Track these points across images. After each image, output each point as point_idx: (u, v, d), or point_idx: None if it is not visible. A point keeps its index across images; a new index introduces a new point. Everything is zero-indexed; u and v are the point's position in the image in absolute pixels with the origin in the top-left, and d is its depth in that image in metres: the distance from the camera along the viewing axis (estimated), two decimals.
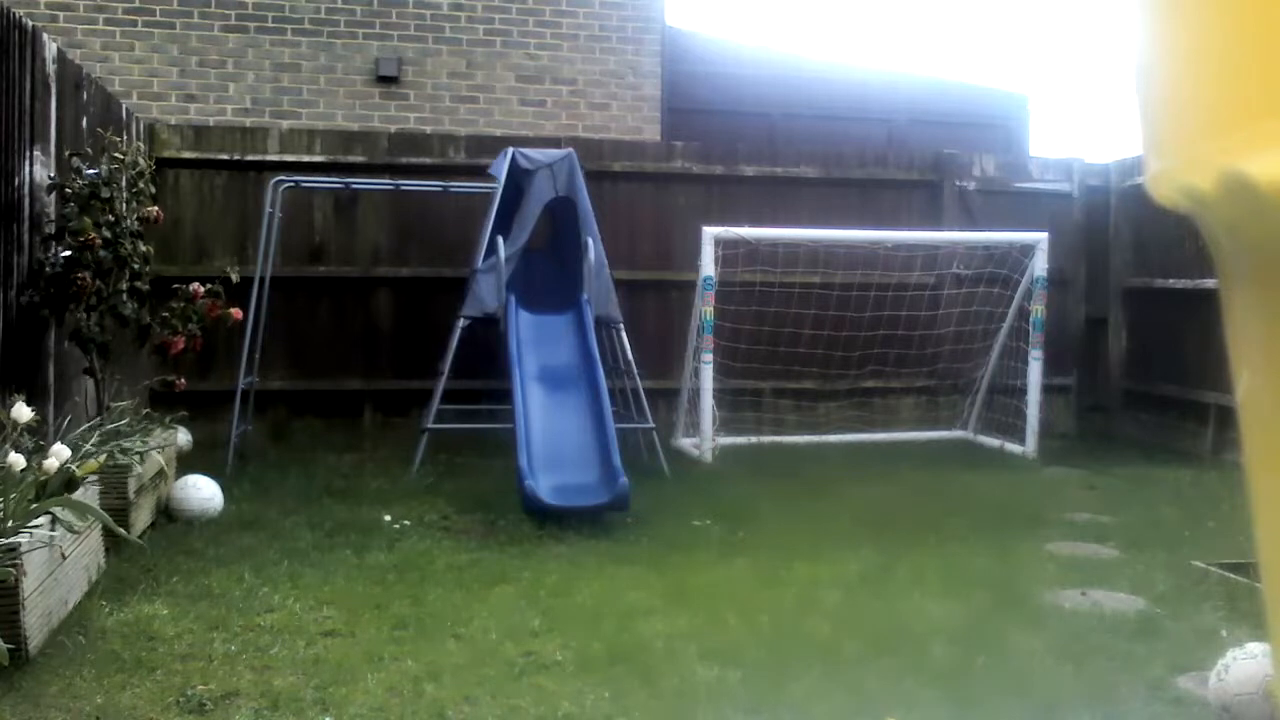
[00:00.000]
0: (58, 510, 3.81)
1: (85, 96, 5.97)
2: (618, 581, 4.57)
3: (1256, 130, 0.40)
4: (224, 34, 9.07)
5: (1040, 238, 8.01)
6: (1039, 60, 26.44)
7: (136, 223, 5.74)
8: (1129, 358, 9.25)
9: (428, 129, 9.08)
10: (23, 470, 3.73)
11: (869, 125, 10.83)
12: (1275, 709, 3.00)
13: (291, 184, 7.36)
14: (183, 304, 5.92)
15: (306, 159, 7.86)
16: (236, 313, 6.18)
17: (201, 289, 5.98)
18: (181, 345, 5.90)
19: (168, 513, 5.46)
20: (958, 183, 8.91)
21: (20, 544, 3.43)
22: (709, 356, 7.48)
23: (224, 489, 5.69)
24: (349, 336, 7.99)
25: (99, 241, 5.19)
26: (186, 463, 6.08)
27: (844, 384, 8.45)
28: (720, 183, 8.59)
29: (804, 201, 8.55)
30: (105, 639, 3.72)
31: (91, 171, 5.36)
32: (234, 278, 6.26)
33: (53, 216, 5.42)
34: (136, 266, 5.73)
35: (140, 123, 7.43)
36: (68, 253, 5.15)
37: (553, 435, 6.18)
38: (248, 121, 8.82)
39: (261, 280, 7.12)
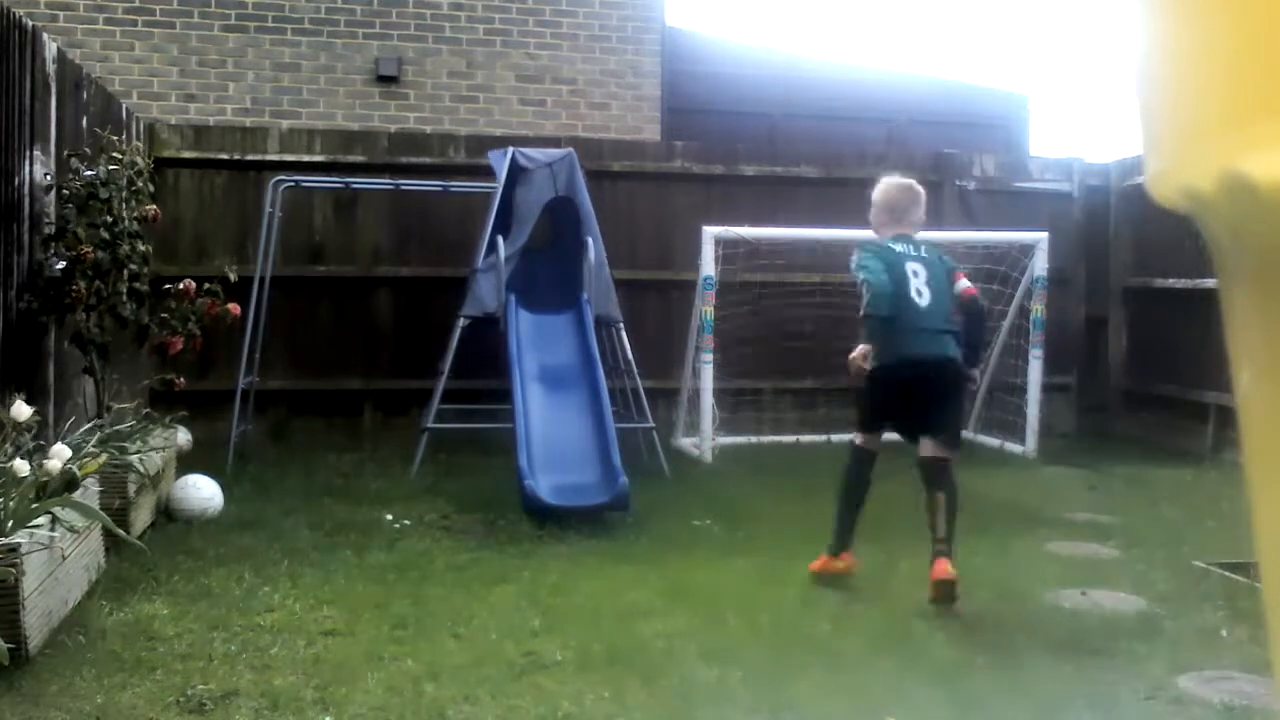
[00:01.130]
0: (58, 510, 3.81)
1: (85, 96, 5.97)
2: (618, 581, 4.57)
3: (1256, 130, 0.40)
4: (224, 34, 9.07)
5: (1040, 237, 8.00)
6: (1039, 60, 26.45)
7: (135, 223, 5.74)
8: (1129, 358, 9.25)
9: (428, 129, 9.08)
10: (23, 470, 3.73)
11: (869, 125, 10.82)
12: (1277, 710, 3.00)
13: (291, 184, 7.36)
14: (180, 303, 5.92)
15: (306, 159, 7.86)
16: (235, 308, 6.17)
17: (194, 286, 5.97)
18: (180, 345, 5.90)
19: (168, 512, 5.46)
20: (958, 182, 8.91)
21: (20, 544, 3.43)
22: (709, 356, 7.48)
23: (224, 489, 5.69)
24: (349, 336, 7.99)
25: (91, 254, 5.19)
26: (186, 463, 6.08)
27: (844, 383, 8.44)
28: (720, 183, 8.59)
29: (804, 201, 8.55)
30: (105, 639, 3.72)
31: (90, 173, 5.36)
32: (232, 277, 6.25)
33: (52, 217, 5.42)
34: (135, 267, 5.73)
35: (140, 122, 7.43)
36: (62, 264, 5.15)
37: (553, 435, 6.18)
38: (248, 121, 8.82)
39: (261, 280, 7.12)
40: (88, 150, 5.57)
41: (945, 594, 4.21)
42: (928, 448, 4.42)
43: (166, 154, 7.62)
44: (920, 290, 4.41)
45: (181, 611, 4.04)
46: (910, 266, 4.46)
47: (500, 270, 6.78)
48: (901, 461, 7.06)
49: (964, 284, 4.58)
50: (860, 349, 4.58)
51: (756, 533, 5.45)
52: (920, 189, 4.79)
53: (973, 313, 4.61)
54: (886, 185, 4.74)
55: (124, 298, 5.62)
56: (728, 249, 7.61)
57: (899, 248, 4.53)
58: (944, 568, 4.26)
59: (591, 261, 6.91)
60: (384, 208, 8.03)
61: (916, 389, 4.40)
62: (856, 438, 4.65)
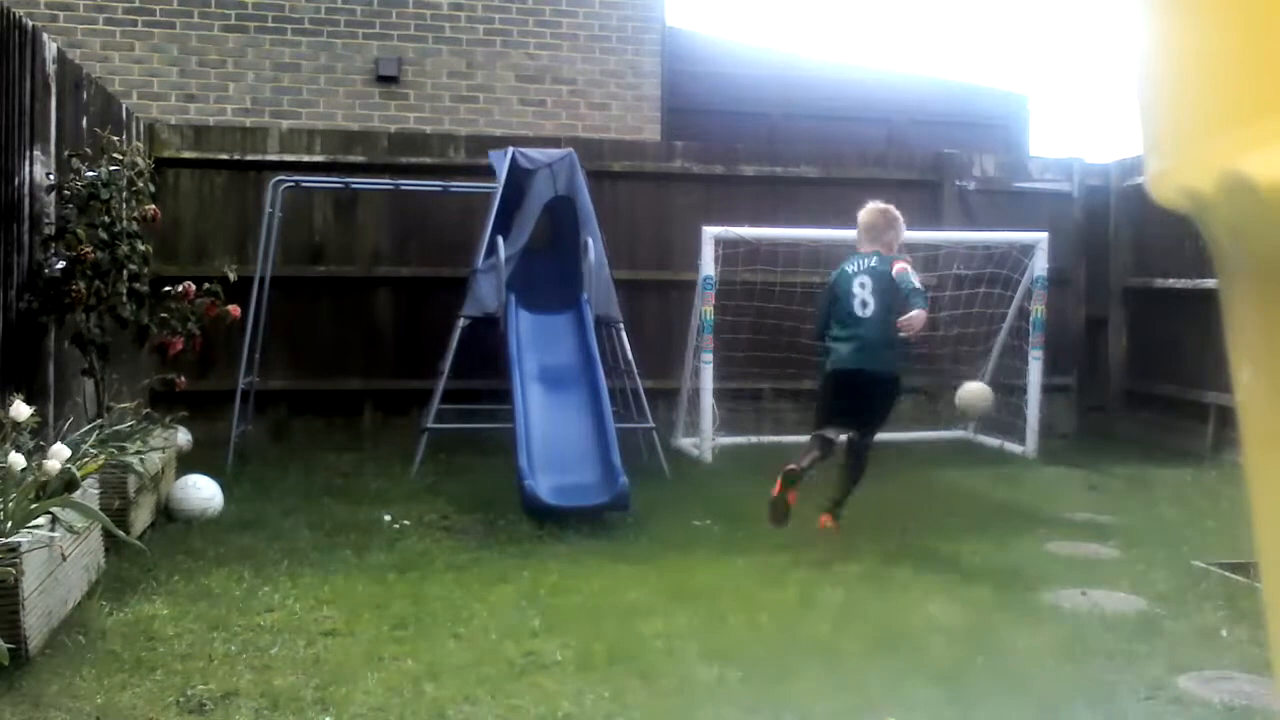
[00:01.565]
0: (58, 510, 3.81)
1: (85, 96, 5.97)
2: (617, 581, 4.57)
3: (1256, 130, 0.40)
4: (224, 34, 9.07)
5: (1040, 238, 8.00)
6: (1039, 60, 26.45)
7: (135, 223, 5.74)
8: (1129, 358, 9.25)
9: (428, 129, 9.08)
10: (23, 470, 3.73)
11: (869, 125, 10.82)
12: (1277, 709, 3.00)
13: (291, 184, 7.36)
14: (180, 304, 5.92)
15: (306, 159, 7.86)
16: (235, 310, 6.17)
17: (194, 288, 5.97)
18: (180, 346, 5.90)
19: (168, 513, 5.46)
20: (958, 183, 8.91)
21: (20, 544, 3.43)
22: (709, 356, 7.48)
23: (224, 489, 5.69)
24: (349, 336, 7.99)
25: (92, 254, 5.19)
26: (186, 463, 6.08)
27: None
28: (720, 183, 8.59)
29: (804, 201, 8.54)
30: (105, 639, 3.72)
31: (91, 173, 5.36)
32: (231, 277, 6.25)
33: (52, 217, 5.42)
34: (135, 268, 5.73)
35: (140, 123, 7.43)
36: (62, 264, 5.15)
37: (553, 435, 6.18)
38: (248, 121, 8.82)
39: (261, 280, 7.12)
40: (89, 150, 5.57)
41: (827, 535, 5.21)
42: (855, 435, 5.37)
43: (166, 154, 7.62)
44: (865, 301, 5.21)
45: (181, 611, 4.04)
46: (859, 280, 5.25)
47: (500, 270, 6.78)
48: (901, 464, 7.08)
49: (895, 267, 5.22)
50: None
51: (756, 533, 5.44)
52: (896, 214, 5.45)
53: (899, 282, 5.17)
54: (866, 209, 5.49)
55: (124, 298, 5.62)
56: (727, 249, 7.61)
57: (851, 267, 5.33)
58: (825, 520, 5.28)
59: (591, 261, 6.90)
60: (384, 208, 8.03)
61: (852, 393, 5.25)
62: (815, 429, 5.45)
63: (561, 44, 9.61)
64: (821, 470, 5.39)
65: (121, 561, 4.55)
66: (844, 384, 5.25)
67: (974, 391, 6.89)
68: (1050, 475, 7.33)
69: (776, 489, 5.13)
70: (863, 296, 5.20)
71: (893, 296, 5.16)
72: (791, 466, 5.11)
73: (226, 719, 3.15)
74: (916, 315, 5.09)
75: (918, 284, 5.22)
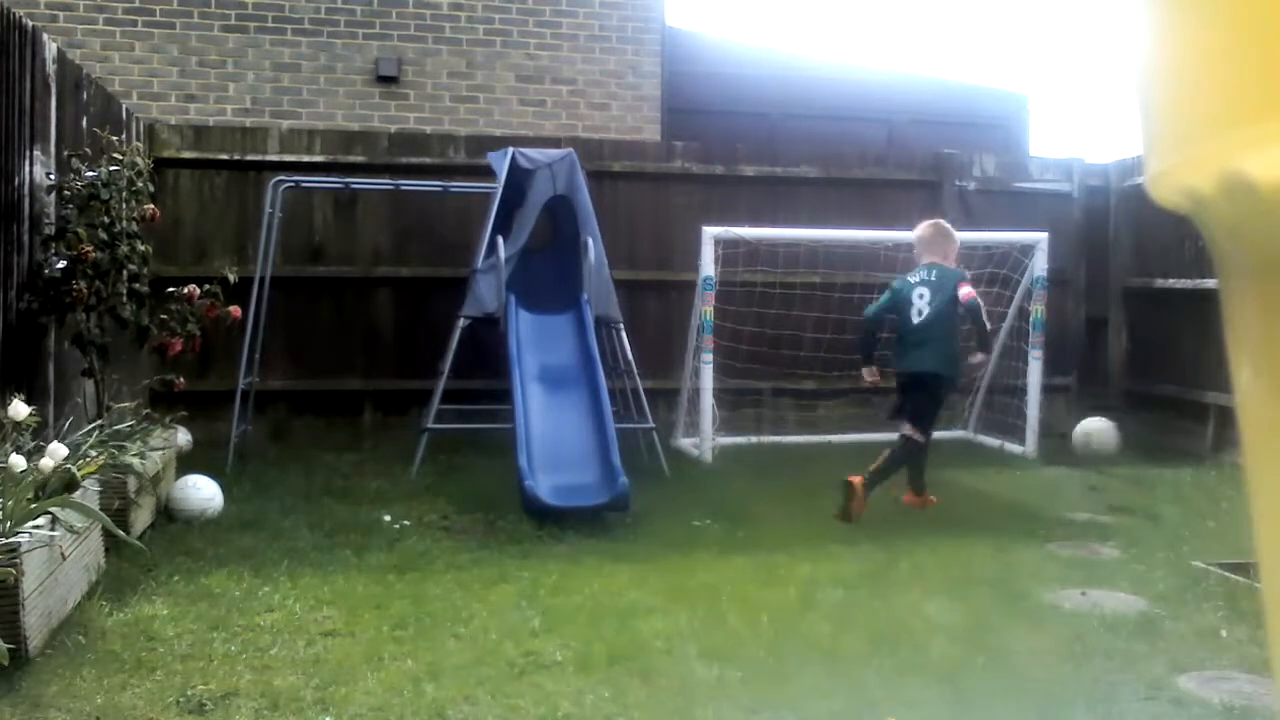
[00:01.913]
0: (58, 510, 3.81)
1: (85, 96, 5.97)
2: (617, 581, 4.57)
3: (1256, 130, 0.40)
4: (224, 34, 9.07)
5: (1040, 238, 8.00)
6: (1039, 60, 26.45)
7: (134, 223, 5.74)
8: (1129, 358, 9.25)
9: (428, 129, 9.08)
10: (22, 470, 3.73)
11: (869, 125, 10.82)
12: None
13: (291, 184, 7.36)
14: (182, 306, 5.92)
15: (306, 159, 7.86)
16: (235, 311, 6.17)
17: (197, 290, 5.97)
18: (179, 347, 5.90)
19: (168, 513, 5.46)
20: (958, 183, 8.91)
21: (20, 544, 3.43)
22: (709, 356, 7.48)
23: (224, 489, 5.69)
24: (349, 336, 7.99)
25: (92, 254, 5.19)
26: (186, 463, 6.08)
27: (844, 384, 8.44)
28: (720, 183, 8.59)
29: (804, 201, 8.55)
30: (105, 639, 3.72)
31: (91, 173, 5.36)
32: (232, 278, 6.25)
33: (52, 217, 5.42)
34: (134, 268, 5.73)
35: (140, 123, 7.43)
36: (63, 264, 5.15)
37: (553, 435, 6.18)
38: (248, 121, 8.82)
39: (261, 280, 7.12)
40: (88, 150, 5.57)
41: (845, 491, 5.64)
42: (903, 426, 5.99)
43: (166, 154, 7.61)
44: (921, 310, 5.90)
45: (181, 611, 4.04)
46: (918, 291, 5.94)
47: (500, 270, 6.77)
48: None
49: (962, 291, 5.89)
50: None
51: (756, 533, 5.45)
52: (946, 226, 6.24)
53: (969, 311, 5.92)
54: (920, 226, 6.25)
55: (124, 298, 5.62)
56: (727, 249, 7.61)
57: (914, 277, 6.03)
58: (855, 479, 5.68)
59: (591, 261, 6.90)
60: (384, 208, 8.03)
61: (904, 387, 6.07)
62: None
63: (561, 44, 9.61)
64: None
65: (121, 561, 4.55)
66: (906, 385, 6.04)
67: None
68: (1050, 475, 7.33)
69: (908, 498, 6.05)
70: (919, 306, 5.89)
71: (947, 307, 5.86)
72: (908, 475, 6.01)
73: (226, 719, 3.16)
74: (981, 360, 6.29)
75: (987, 322, 6.04)
